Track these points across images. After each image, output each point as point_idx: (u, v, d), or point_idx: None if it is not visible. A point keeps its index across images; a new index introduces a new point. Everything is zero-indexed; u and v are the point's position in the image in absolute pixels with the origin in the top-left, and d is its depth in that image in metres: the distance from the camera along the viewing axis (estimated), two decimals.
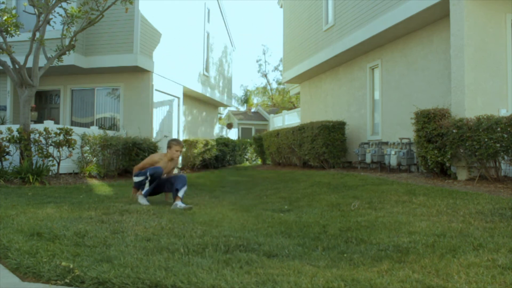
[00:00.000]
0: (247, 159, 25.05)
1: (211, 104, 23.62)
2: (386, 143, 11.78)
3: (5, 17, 10.35)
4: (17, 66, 10.40)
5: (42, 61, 11.16)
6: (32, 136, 10.26)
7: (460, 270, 3.01)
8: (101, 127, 14.24)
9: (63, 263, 3.11)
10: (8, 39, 10.60)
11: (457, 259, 3.28)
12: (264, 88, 49.14)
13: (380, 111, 12.61)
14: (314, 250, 3.73)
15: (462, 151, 7.73)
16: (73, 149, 10.82)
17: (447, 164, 8.24)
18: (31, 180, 9.30)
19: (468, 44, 8.29)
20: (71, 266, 3.06)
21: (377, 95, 13.02)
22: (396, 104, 11.83)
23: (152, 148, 13.31)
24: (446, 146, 8.00)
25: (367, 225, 4.72)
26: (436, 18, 10.09)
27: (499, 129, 7.00)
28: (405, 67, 11.48)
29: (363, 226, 4.68)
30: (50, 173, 10.42)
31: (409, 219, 4.94)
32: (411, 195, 6.61)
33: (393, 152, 10.47)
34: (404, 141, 10.65)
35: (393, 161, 10.46)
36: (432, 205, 5.74)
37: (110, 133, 12.92)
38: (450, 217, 4.96)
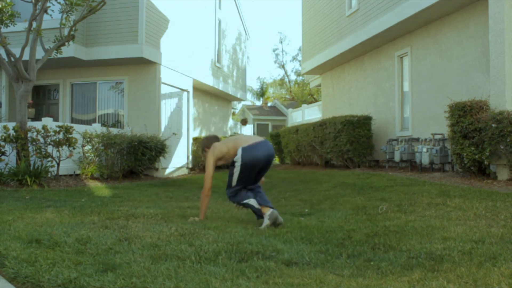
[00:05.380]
0: None
1: (224, 98, 23.67)
2: (417, 140, 11.69)
3: (0, 5, 10.47)
4: (12, 59, 10.53)
5: (40, 53, 11.29)
6: (29, 134, 10.38)
7: (502, 280, 2.98)
8: (104, 124, 14.35)
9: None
10: (3, 29, 10.73)
11: (497, 268, 3.24)
12: (282, 80, 49.03)
13: (410, 104, 12.52)
14: (337, 258, 3.72)
15: (502, 147, 7.63)
16: (73, 148, 10.93)
17: (486, 163, 8.15)
18: (28, 183, 9.41)
19: (509, 28, 8.18)
20: (73, 275, 3.09)
21: (406, 87, 12.92)
22: (428, 96, 11.73)
23: (159, 146, 13.40)
24: (484, 142, 7.91)
25: (396, 230, 4.69)
26: (472, 0, 9.98)
27: None
28: (438, 55, 11.38)
29: (391, 231, 4.66)
30: (49, 175, 10.55)
31: (443, 224, 4.90)
32: (445, 197, 6.56)
33: (424, 150, 10.39)
34: (437, 137, 10.56)
35: (425, 159, 10.38)
36: (469, 208, 5.69)
37: (114, 130, 13.03)
38: (490, 221, 4.91)
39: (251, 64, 68.17)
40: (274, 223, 5.13)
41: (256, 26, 79.19)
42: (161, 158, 14.07)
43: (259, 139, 5.50)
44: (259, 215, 5.33)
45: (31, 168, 9.79)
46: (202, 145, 5.88)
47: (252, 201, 5.37)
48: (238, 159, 5.30)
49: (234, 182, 5.42)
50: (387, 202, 6.63)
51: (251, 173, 5.37)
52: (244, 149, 5.31)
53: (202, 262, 3.48)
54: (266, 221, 5.12)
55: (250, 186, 5.52)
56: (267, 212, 5.17)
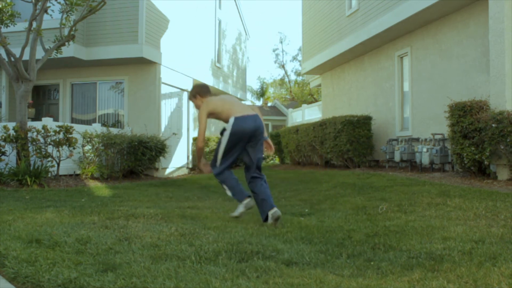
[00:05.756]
0: (263, 158, 25.05)
1: None
2: (417, 140, 11.69)
3: (0, 5, 10.47)
4: (12, 59, 10.52)
5: (40, 53, 11.30)
6: (29, 134, 10.37)
7: (502, 280, 2.98)
8: (104, 124, 14.35)
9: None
10: (3, 29, 10.73)
11: (497, 268, 3.24)
12: (282, 80, 49.00)
13: (410, 104, 12.52)
14: (337, 258, 3.72)
15: (502, 147, 7.63)
16: (74, 148, 10.93)
17: (486, 162, 8.15)
18: (28, 183, 9.41)
19: (509, 28, 8.17)
20: (73, 275, 3.09)
21: (406, 87, 12.92)
22: (427, 96, 11.73)
23: (160, 146, 13.39)
24: (484, 142, 7.91)
25: (396, 230, 4.69)
26: (472, 0, 9.98)
27: None
28: (438, 55, 11.38)
29: (391, 231, 4.66)
30: (49, 175, 10.54)
31: (443, 224, 4.90)
32: (446, 197, 6.55)
33: (425, 150, 10.39)
34: (437, 137, 10.56)
35: (425, 159, 10.37)
36: (469, 208, 5.68)
37: (114, 130, 13.04)
38: (490, 221, 4.91)
39: (251, 64, 68.20)
40: (246, 210, 5.39)
41: (256, 26, 79.20)
42: (161, 158, 14.07)
43: (252, 112, 5.57)
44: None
45: (31, 168, 9.78)
46: (194, 91, 5.90)
47: (243, 206, 5.43)
48: (229, 126, 5.39)
49: (220, 155, 5.48)
50: (387, 202, 6.63)
51: (238, 144, 5.42)
52: (236, 119, 5.40)
53: (202, 262, 3.48)
54: (240, 209, 5.38)
55: (251, 173, 5.52)
56: (246, 200, 5.38)
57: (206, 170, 5.74)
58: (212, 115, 5.64)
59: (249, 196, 5.43)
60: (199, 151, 5.67)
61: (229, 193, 5.52)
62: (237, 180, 5.52)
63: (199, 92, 5.83)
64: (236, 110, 5.53)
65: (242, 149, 5.49)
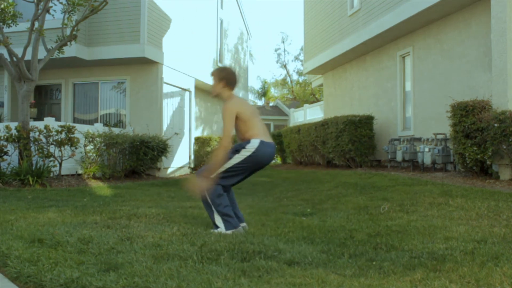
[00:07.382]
0: None
1: None
2: (419, 139, 11.67)
3: (2, 5, 10.49)
4: (15, 59, 10.54)
5: (42, 53, 11.30)
6: (31, 134, 10.39)
7: (504, 280, 2.97)
8: (106, 124, 14.37)
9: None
10: (5, 29, 10.75)
11: (500, 268, 3.23)
12: (284, 80, 48.99)
13: (412, 103, 12.50)
14: (339, 258, 3.72)
15: (505, 147, 7.62)
16: (76, 148, 10.93)
17: (488, 162, 8.13)
18: (31, 182, 9.42)
19: (511, 28, 8.16)
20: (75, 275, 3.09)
21: (408, 86, 12.91)
22: (429, 96, 11.72)
23: (161, 146, 13.40)
24: (486, 142, 7.90)
25: (398, 230, 4.69)
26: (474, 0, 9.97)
27: None
28: (440, 55, 11.36)
29: (393, 231, 4.65)
30: (51, 175, 10.55)
31: (445, 223, 4.90)
32: (448, 197, 6.54)
33: (427, 149, 10.38)
34: (439, 136, 10.54)
35: (427, 159, 10.36)
36: (471, 207, 5.68)
37: (116, 130, 13.03)
38: (492, 221, 4.90)
39: (253, 64, 68.16)
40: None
41: (258, 25, 79.22)
42: (163, 158, 14.07)
43: (271, 139, 4.88)
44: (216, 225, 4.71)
45: (33, 167, 9.80)
46: (224, 74, 4.84)
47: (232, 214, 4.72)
48: (251, 148, 4.64)
49: (221, 170, 4.67)
50: (389, 201, 6.62)
51: (251, 171, 4.84)
52: (262, 143, 4.67)
53: (204, 261, 3.48)
54: (228, 232, 4.60)
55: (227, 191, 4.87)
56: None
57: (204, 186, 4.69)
58: (236, 119, 4.69)
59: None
60: (219, 160, 4.66)
61: (220, 222, 4.65)
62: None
63: (228, 79, 4.82)
64: (260, 129, 4.73)
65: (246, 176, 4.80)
